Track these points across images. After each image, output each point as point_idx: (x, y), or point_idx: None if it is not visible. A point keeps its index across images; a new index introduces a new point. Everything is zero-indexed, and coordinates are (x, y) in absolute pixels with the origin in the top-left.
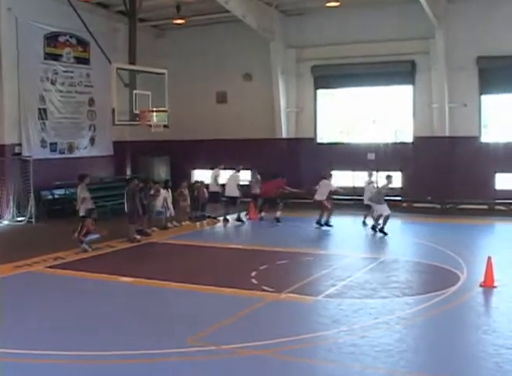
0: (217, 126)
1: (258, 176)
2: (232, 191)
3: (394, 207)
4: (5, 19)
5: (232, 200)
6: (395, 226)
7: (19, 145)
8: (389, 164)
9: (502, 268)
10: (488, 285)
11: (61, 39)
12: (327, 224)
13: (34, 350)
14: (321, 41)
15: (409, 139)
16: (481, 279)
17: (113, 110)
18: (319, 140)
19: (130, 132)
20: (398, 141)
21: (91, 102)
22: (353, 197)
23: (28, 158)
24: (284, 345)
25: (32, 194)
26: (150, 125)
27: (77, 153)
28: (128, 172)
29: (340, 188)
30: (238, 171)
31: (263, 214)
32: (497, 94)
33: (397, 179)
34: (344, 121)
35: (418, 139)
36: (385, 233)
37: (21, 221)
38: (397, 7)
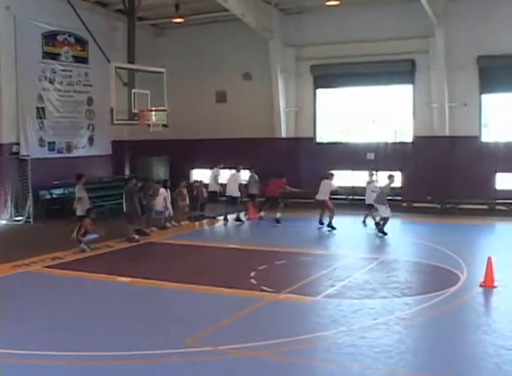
0: (216, 125)
1: (256, 176)
2: (233, 191)
3: (394, 207)
4: (3, 18)
5: (233, 200)
6: (395, 226)
7: (17, 144)
8: (389, 163)
9: (502, 268)
10: (488, 285)
11: (59, 38)
12: (330, 226)
13: (32, 350)
14: (320, 40)
15: (409, 138)
16: (481, 279)
17: (112, 110)
18: (318, 140)
19: (129, 132)
20: (398, 141)
21: (90, 101)
22: (353, 197)
23: (26, 157)
24: (283, 345)
25: (30, 194)
26: (149, 125)
27: (75, 153)
28: (127, 172)
29: (340, 188)
30: (239, 171)
31: (262, 213)
32: (497, 93)
33: (397, 179)
34: (343, 121)
35: (418, 139)
36: (385, 233)
37: (19, 221)
38: (397, 6)
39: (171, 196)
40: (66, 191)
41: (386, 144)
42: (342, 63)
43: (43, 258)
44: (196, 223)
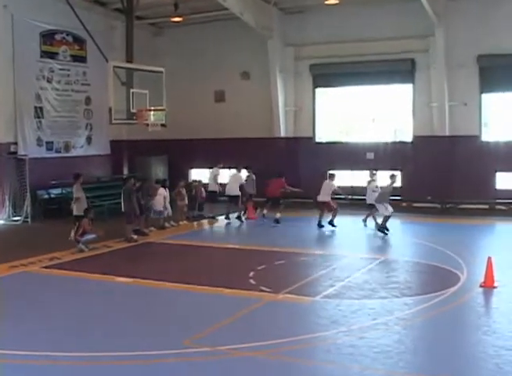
0: (215, 125)
1: (253, 176)
2: (233, 190)
3: (394, 207)
4: (0, 17)
5: (234, 200)
6: (395, 226)
7: (15, 144)
8: (388, 163)
9: (502, 268)
10: (488, 285)
11: (57, 37)
12: (331, 223)
13: (30, 351)
14: (320, 39)
15: (409, 138)
16: (481, 279)
17: (110, 109)
18: (317, 139)
19: (127, 131)
20: (398, 140)
21: (88, 100)
22: (353, 197)
23: (24, 157)
24: (282, 345)
25: (28, 194)
26: (147, 124)
27: (73, 152)
28: (125, 172)
29: (339, 188)
30: (239, 171)
31: (265, 211)
32: (498, 92)
33: (397, 179)
34: (343, 120)
35: (418, 138)
36: (387, 230)
37: (17, 220)
38: (396, 5)
39: (170, 196)
40: (64, 191)
41: (386, 144)
42: (341, 62)
43: (41, 258)
44: (195, 223)
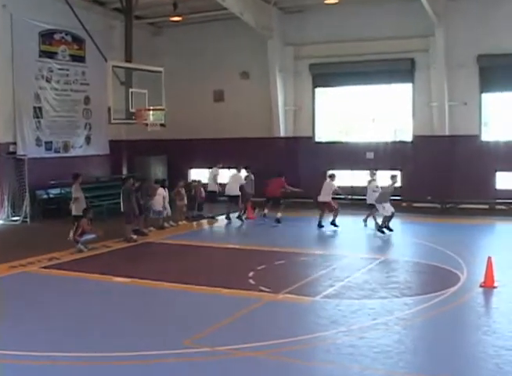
0: (214, 125)
1: (252, 176)
2: (233, 191)
3: (394, 206)
4: None
5: (234, 200)
6: (395, 226)
7: (14, 144)
8: (388, 163)
9: (502, 268)
10: (488, 285)
11: (56, 37)
12: (333, 223)
13: (29, 351)
14: (319, 38)
15: (409, 137)
16: (481, 279)
17: (109, 109)
18: (317, 139)
19: (126, 131)
20: (398, 140)
21: (87, 100)
22: (352, 197)
23: (23, 157)
24: (282, 346)
25: (27, 194)
26: (147, 124)
27: (72, 152)
28: (125, 172)
29: (339, 187)
30: (240, 171)
31: (266, 211)
32: (497, 92)
33: (397, 179)
34: (342, 120)
35: (417, 138)
36: (383, 232)
37: (16, 221)
38: (396, 4)
39: (169, 196)
40: (63, 191)
41: (385, 143)
42: (341, 61)
43: (40, 258)
44: (194, 223)
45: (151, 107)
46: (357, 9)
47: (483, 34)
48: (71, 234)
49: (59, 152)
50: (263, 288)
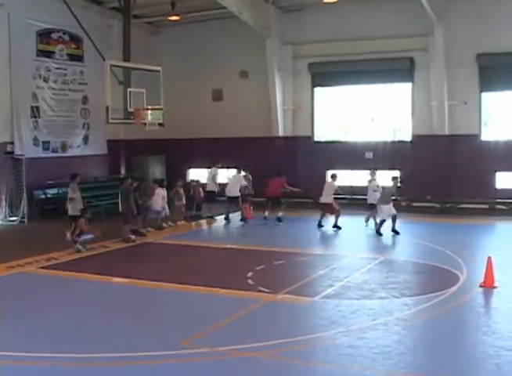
0: (213, 124)
1: (250, 176)
2: (234, 191)
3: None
4: None
5: (234, 201)
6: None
7: (12, 143)
8: (388, 162)
9: (502, 268)
10: (488, 285)
11: (54, 36)
12: (336, 226)
13: (27, 352)
14: (318, 37)
15: (408, 137)
16: (481, 279)
17: (107, 108)
18: (316, 139)
19: (124, 131)
20: (397, 139)
21: (85, 100)
22: (352, 197)
23: (20, 157)
24: (281, 346)
25: (25, 194)
26: (145, 124)
27: (70, 152)
28: (123, 171)
29: (338, 187)
30: (240, 171)
31: (266, 213)
32: (497, 91)
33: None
34: (341, 119)
35: (417, 138)
36: (381, 234)
37: (13, 221)
38: (395, 3)
39: (168, 196)
40: (60, 191)
41: (385, 143)
42: (340, 61)
43: (38, 258)
44: (193, 223)
45: (149, 107)
46: (356, 7)
47: (483, 32)
48: (68, 234)
49: (56, 152)
50: (262, 289)
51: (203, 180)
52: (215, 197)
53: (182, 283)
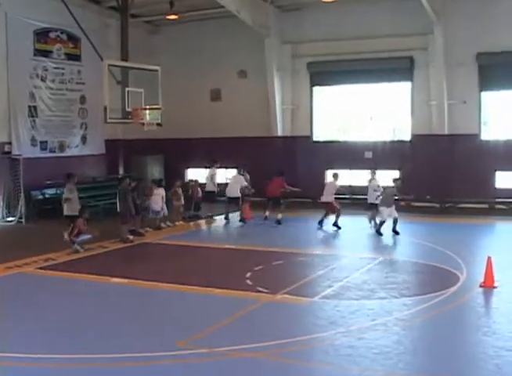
0: (211, 124)
1: (248, 176)
2: (234, 192)
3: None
4: None
5: (234, 201)
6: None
7: (9, 143)
8: (387, 162)
9: (502, 268)
10: (488, 285)
11: (51, 35)
12: (336, 225)
13: (24, 353)
14: (317, 37)
15: (408, 136)
16: (481, 279)
17: (105, 108)
18: (315, 138)
19: (122, 130)
20: (396, 139)
21: (83, 99)
22: (351, 196)
23: (18, 157)
24: (280, 347)
25: (22, 194)
26: (143, 123)
27: (68, 152)
28: (121, 171)
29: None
30: (240, 172)
31: (267, 213)
32: (497, 90)
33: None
34: (340, 119)
35: (416, 137)
36: (381, 234)
37: (11, 221)
38: (395, 2)
39: (166, 195)
40: (58, 191)
41: (384, 142)
42: (339, 60)
43: (36, 259)
44: (192, 223)
45: (147, 106)
46: (355, 6)
47: (482, 31)
48: (66, 235)
49: (54, 152)
50: (261, 289)
51: (202, 180)
52: (215, 197)
53: (180, 283)
